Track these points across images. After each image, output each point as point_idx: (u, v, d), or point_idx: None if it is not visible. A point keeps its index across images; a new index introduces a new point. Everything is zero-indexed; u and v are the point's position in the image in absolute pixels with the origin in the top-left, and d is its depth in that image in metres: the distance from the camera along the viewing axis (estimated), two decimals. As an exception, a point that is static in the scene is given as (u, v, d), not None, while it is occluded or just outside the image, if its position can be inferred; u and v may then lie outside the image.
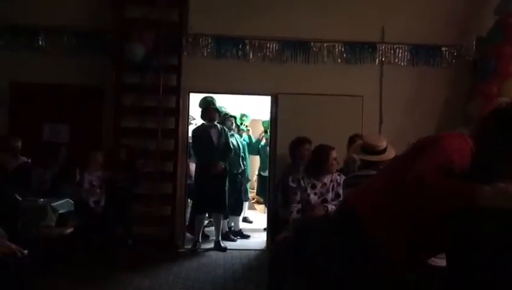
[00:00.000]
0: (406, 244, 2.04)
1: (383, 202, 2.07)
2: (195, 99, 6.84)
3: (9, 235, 3.63)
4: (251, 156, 8.26)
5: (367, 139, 3.73)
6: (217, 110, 6.59)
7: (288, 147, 5.41)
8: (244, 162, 7.39)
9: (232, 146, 6.65)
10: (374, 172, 3.41)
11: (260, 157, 8.07)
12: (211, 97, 6.58)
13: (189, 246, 6.41)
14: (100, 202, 5.79)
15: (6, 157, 5.17)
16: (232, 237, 6.92)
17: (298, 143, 5.17)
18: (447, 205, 1.83)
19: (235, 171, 7.06)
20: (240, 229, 7.24)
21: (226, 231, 6.90)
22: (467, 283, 1.87)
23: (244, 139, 7.78)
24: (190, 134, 6.81)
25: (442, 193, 1.81)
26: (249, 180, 8.06)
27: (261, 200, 8.78)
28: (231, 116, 7.36)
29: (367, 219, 2.06)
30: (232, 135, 7.20)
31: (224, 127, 6.76)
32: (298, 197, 3.97)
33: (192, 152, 6.87)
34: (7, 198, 4.22)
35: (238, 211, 7.20)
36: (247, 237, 7.12)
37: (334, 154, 4.02)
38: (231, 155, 6.69)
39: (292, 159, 5.32)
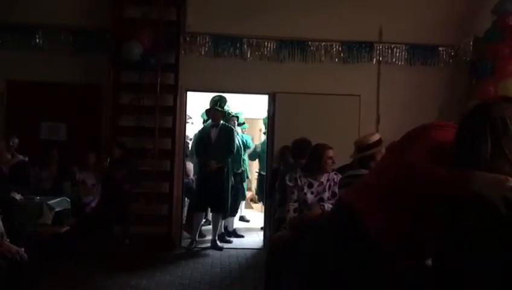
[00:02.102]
0: (407, 241, 2.02)
1: (381, 199, 2.06)
2: (192, 98, 6.82)
3: (7, 233, 3.63)
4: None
5: (357, 138, 3.80)
6: (219, 111, 6.54)
7: (293, 146, 5.40)
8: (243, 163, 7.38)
9: (235, 147, 6.59)
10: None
11: (259, 156, 8.03)
12: (219, 97, 6.55)
13: (186, 245, 6.41)
14: (93, 201, 5.79)
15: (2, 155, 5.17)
16: (228, 238, 6.85)
17: (304, 145, 5.14)
18: (439, 192, 1.83)
19: (236, 171, 7.04)
20: (234, 229, 7.19)
21: (222, 232, 6.83)
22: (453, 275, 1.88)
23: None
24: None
25: (434, 180, 1.81)
26: (246, 178, 7.99)
27: (257, 199, 8.75)
28: (233, 115, 7.34)
29: (367, 219, 2.04)
30: (237, 134, 7.20)
31: (230, 127, 6.73)
32: (295, 196, 3.98)
33: (193, 151, 6.86)
34: (4, 196, 4.22)
35: (234, 211, 7.16)
36: (241, 237, 7.07)
37: (330, 153, 4.03)
38: (231, 156, 6.62)
39: (294, 158, 5.30)
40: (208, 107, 6.72)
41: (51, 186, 5.79)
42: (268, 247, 5.08)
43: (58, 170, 5.95)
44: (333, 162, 4.08)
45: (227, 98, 6.70)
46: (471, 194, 1.72)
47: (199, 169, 6.61)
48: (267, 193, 6.62)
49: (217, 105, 6.50)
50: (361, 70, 6.57)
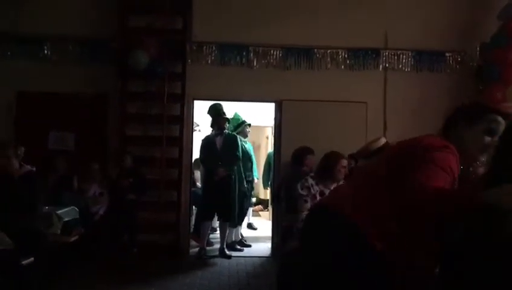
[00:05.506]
0: (410, 251, 1.98)
1: (382, 210, 1.99)
2: (199, 107, 6.84)
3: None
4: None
5: (362, 146, 3.79)
6: (227, 119, 6.56)
7: (293, 154, 5.43)
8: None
9: (240, 154, 6.57)
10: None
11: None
12: (220, 105, 6.57)
13: (194, 254, 6.40)
14: (101, 209, 5.80)
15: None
16: (238, 246, 6.80)
17: (302, 153, 5.21)
18: (450, 211, 1.82)
19: (247, 179, 6.99)
20: (241, 239, 7.09)
21: (232, 241, 6.79)
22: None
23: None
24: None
25: (447, 199, 1.80)
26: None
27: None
28: (248, 124, 7.34)
29: (376, 241, 1.95)
30: (246, 142, 7.20)
31: (234, 134, 6.72)
32: (309, 205, 3.95)
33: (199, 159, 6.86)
34: (30, 201, 4.27)
35: (239, 220, 7.06)
36: (248, 246, 6.99)
37: (344, 163, 4.03)
38: (237, 163, 6.61)
39: (296, 166, 5.31)
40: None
41: (51, 196, 5.78)
42: (279, 259, 5.04)
43: (59, 179, 5.95)
44: (346, 172, 4.07)
45: (235, 107, 6.72)
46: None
47: (206, 177, 6.59)
48: (273, 201, 6.62)
49: (224, 113, 6.51)
50: (368, 77, 6.57)
